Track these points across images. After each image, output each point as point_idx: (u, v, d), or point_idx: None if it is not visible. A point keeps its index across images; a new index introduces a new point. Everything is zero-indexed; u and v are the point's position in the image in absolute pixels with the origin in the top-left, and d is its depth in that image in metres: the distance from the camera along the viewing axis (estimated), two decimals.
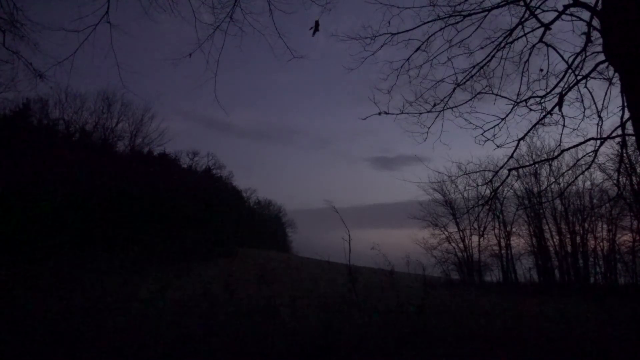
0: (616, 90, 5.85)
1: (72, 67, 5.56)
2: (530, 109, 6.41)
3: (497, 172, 7.49)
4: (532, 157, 21.04)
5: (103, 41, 5.66)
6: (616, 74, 5.36)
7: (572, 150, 6.54)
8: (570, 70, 5.96)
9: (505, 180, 7.38)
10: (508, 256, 25.40)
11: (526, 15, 5.84)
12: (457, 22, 6.09)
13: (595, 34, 5.52)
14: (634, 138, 4.81)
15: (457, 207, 26.98)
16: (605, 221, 22.20)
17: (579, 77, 5.99)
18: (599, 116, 6.11)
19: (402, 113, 6.49)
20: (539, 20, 5.76)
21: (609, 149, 15.62)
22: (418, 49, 6.39)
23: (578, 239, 22.82)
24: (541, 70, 6.30)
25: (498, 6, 5.88)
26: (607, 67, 5.70)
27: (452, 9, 5.99)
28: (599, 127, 6.14)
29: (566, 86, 6.03)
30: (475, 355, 5.28)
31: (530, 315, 9.13)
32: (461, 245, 26.83)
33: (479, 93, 6.43)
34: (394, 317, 6.91)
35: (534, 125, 6.51)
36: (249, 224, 52.16)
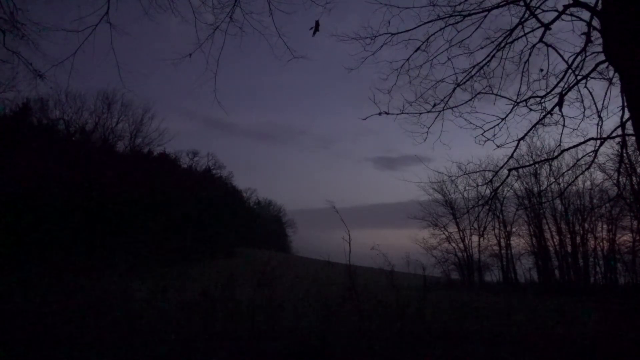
0: (616, 90, 5.85)
1: (72, 67, 5.55)
2: (530, 109, 6.41)
3: (497, 172, 7.48)
4: (532, 157, 21.00)
5: (103, 41, 5.66)
6: (616, 74, 5.35)
7: (572, 150, 6.56)
8: (570, 70, 5.96)
9: (505, 180, 7.38)
10: (508, 256, 25.41)
11: (526, 15, 5.83)
12: (457, 22, 6.08)
13: (595, 34, 5.52)
14: (634, 138, 4.80)
15: (457, 207, 26.99)
16: (605, 221, 22.21)
17: (579, 77, 5.98)
18: (599, 116, 6.11)
19: (402, 113, 6.47)
20: (539, 20, 5.76)
21: (609, 149, 15.55)
22: (418, 49, 6.38)
23: (578, 239, 22.83)
24: (541, 70, 6.29)
25: (498, 6, 5.87)
26: (607, 67, 5.69)
27: (452, 9, 5.98)
28: (599, 127, 6.14)
29: (566, 86, 6.02)
30: (475, 355, 5.28)
31: (529, 315, 9.13)
32: (461, 245, 26.85)
33: (479, 93, 6.42)
34: (394, 317, 6.91)
35: (534, 125, 6.51)
36: (249, 224, 52.15)
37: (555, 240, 23.71)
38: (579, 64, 5.94)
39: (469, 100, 6.47)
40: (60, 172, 23.09)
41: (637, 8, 4.24)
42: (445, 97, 6.45)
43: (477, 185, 16.09)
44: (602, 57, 5.30)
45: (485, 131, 6.48)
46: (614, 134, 6.18)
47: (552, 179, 21.31)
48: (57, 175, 22.86)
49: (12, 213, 19.78)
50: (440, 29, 6.16)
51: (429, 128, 6.63)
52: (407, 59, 6.47)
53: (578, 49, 5.88)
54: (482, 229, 25.10)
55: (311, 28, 5.30)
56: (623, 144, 6.12)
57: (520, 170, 19.24)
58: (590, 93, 6.16)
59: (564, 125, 6.33)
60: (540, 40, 5.95)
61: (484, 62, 6.24)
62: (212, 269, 24.81)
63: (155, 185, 29.56)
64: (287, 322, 7.05)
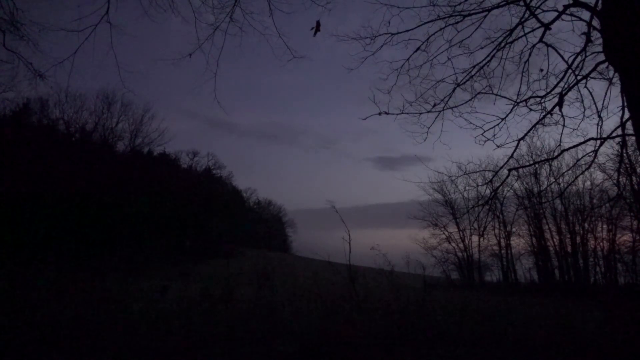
0: (616, 90, 5.85)
1: (72, 67, 5.57)
2: (530, 109, 6.41)
3: (497, 172, 7.49)
4: (532, 157, 21.04)
5: (103, 41, 5.66)
6: (616, 74, 5.36)
7: (572, 150, 6.56)
8: (570, 70, 5.96)
9: (505, 180, 7.38)
10: (508, 256, 25.43)
11: (526, 15, 5.84)
12: (457, 22, 6.08)
13: (595, 34, 5.52)
14: (634, 138, 4.81)
15: (457, 207, 27.02)
16: (605, 221, 22.24)
17: (579, 77, 5.99)
18: (599, 116, 6.12)
19: (402, 113, 6.48)
20: (539, 20, 5.76)
21: (609, 149, 15.58)
22: (418, 49, 6.38)
23: (578, 239, 22.85)
24: (541, 70, 6.30)
25: (498, 6, 5.88)
26: (607, 67, 5.70)
27: (452, 9, 5.99)
28: (599, 127, 6.15)
29: (566, 86, 6.03)
30: (475, 356, 5.28)
31: (529, 316, 9.12)
32: (461, 245, 26.88)
33: (479, 93, 6.43)
34: (394, 317, 6.91)
35: (534, 125, 6.51)
36: (249, 223, 52.15)
37: (555, 240, 23.75)
38: (579, 64, 5.95)
39: (469, 100, 6.48)
40: (60, 172, 23.09)
41: (637, 8, 4.24)
42: (445, 97, 6.47)
43: (477, 185, 16.10)
44: (602, 57, 5.31)
45: (485, 131, 6.49)
46: (614, 134, 6.19)
47: (552, 179, 21.36)
48: (57, 175, 22.86)
49: (12, 213, 19.78)
50: (440, 29, 6.17)
51: (429, 128, 6.64)
52: (407, 59, 6.49)
53: (578, 49, 5.89)
54: (482, 229, 25.15)
55: (312, 28, 5.31)
56: (623, 144, 6.12)
57: (520, 170, 19.23)
58: (590, 93, 6.18)
59: (564, 125, 6.34)
60: (540, 40, 5.96)
61: (484, 62, 6.26)
62: (212, 268, 24.80)
63: (155, 185, 29.57)
64: (287, 322, 7.05)
